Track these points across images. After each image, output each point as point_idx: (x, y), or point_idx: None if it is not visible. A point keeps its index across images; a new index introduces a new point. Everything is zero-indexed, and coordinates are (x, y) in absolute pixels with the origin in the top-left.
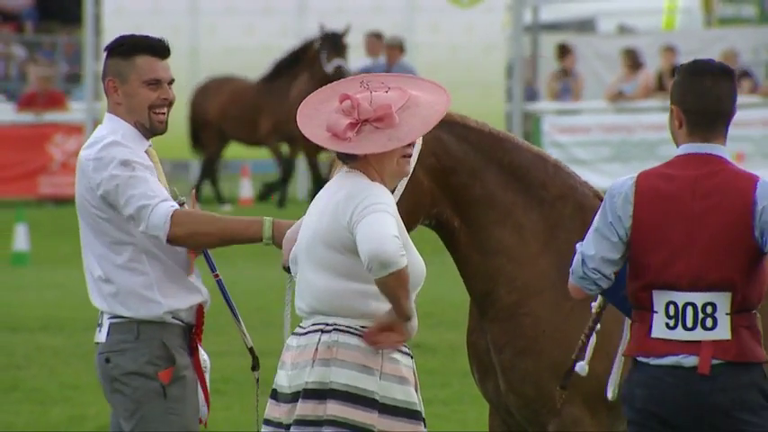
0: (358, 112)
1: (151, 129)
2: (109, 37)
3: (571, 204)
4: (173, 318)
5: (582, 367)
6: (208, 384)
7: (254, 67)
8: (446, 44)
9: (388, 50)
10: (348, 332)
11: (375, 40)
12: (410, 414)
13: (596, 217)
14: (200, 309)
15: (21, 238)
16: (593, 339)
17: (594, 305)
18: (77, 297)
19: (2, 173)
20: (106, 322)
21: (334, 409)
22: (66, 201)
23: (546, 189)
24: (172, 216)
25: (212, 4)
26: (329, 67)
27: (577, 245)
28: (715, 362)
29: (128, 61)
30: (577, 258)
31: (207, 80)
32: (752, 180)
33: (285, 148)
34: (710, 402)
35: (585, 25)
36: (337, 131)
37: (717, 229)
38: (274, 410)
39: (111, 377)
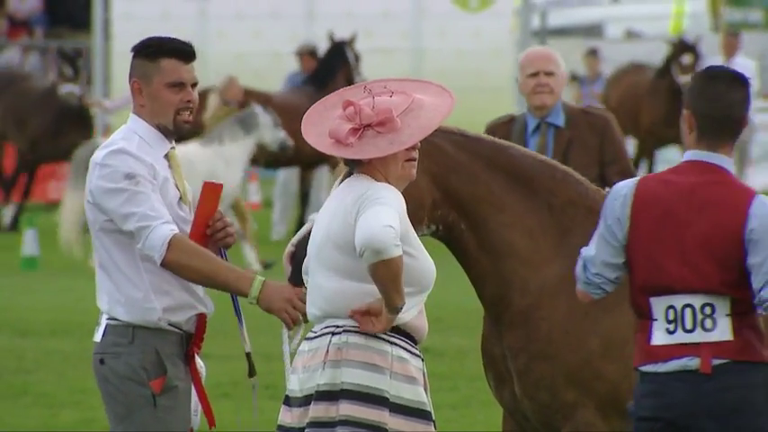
0: (360, 118)
1: (176, 130)
2: (118, 42)
3: (582, 210)
4: (169, 325)
5: None
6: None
7: (263, 72)
8: (454, 49)
9: (301, 58)
10: (358, 333)
11: (309, 58)
12: (421, 414)
13: (600, 222)
14: (202, 317)
15: (30, 243)
16: None
17: None
18: (87, 302)
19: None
20: (103, 322)
21: (346, 408)
22: None
23: (554, 195)
24: (170, 241)
25: (221, 9)
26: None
27: (582, 249)
28: (718, 361)
29: (153, 63)
30: (580, 263)
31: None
32: (748, 195)
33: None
34: (718, 402)
35: (593, 30)
36: (340, 137)
37: (707, 240)
38: (286, 416)
39: (104, 379)
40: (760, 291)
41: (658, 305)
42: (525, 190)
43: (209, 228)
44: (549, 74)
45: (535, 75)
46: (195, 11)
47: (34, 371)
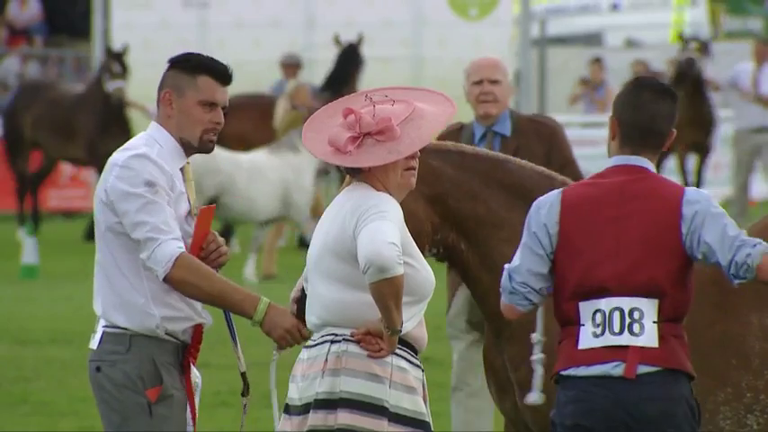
0: (360, 126)
1: (199, 148)
2: None
3: None
4: (166, 334)
5: (535, 398)
6: (197, 404)
7: (263, 80)
8: (453, 58)
9: (285, 69)
10: (357, 341)
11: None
12: (419, 424)
13: (524, 232)
14: (198, 328)
15: (30, 252)
16: (540, 370)
17: (535, 336)
18: (86, 310)
19: (11, 185)
20: (100, 329)
21: (344, 417)
22: (76, 214)
23: None
24: (176, 259)
25: (221, 18)
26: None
27: (505, 265)
28: (643, 369)
29: (190, 77)
30: (505, 275)
31: None
32: (678, 187)
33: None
34: (639, 412)
35: (593, 39)
36: (338, 145)
37: (643, 232)
38: (286, 424)
39: (100, 386)
40: (732, 259)
41: (586, 309)
42: (524, 203)
43: (203, 250)
44: (494, 82)
45: (479, 83)
46: (195, 20)
47: (34, 379)
